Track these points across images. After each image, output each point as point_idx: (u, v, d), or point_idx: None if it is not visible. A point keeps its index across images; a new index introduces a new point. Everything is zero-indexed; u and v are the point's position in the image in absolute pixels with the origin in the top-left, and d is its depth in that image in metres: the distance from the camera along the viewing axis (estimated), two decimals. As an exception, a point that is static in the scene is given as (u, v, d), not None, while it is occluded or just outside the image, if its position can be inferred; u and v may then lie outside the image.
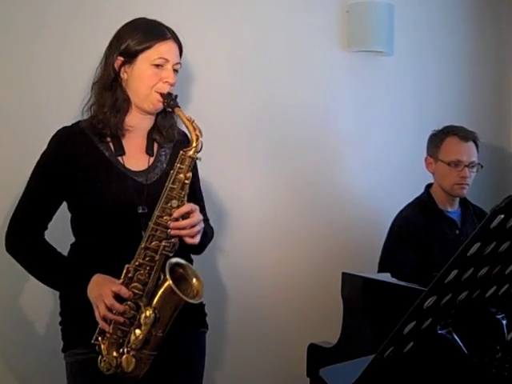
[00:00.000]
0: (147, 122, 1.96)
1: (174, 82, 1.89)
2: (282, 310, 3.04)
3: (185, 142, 1.99)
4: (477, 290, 1.42)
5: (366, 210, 3.25)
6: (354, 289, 2.44)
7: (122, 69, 1.88)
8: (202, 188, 2.11)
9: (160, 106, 1.90)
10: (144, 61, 1.86)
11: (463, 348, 1.44)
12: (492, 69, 3.75)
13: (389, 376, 1.40)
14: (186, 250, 1.93)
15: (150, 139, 1.96)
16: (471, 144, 2.78)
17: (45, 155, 1.91)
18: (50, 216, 1.93)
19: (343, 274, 2.47)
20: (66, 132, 1.91)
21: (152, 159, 1.95)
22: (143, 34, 1.87)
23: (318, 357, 2.52)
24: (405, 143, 3.38)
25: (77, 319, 1.88)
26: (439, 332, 1.41)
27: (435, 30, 3.51)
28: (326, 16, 3.16)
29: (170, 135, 1.98)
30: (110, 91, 1.89)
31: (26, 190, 1.91)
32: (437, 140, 2.82)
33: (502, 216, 1.27)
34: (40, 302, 2.41)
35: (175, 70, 1.91)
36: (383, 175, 3.32)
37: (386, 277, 2.51)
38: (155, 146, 1.97)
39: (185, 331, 1.90)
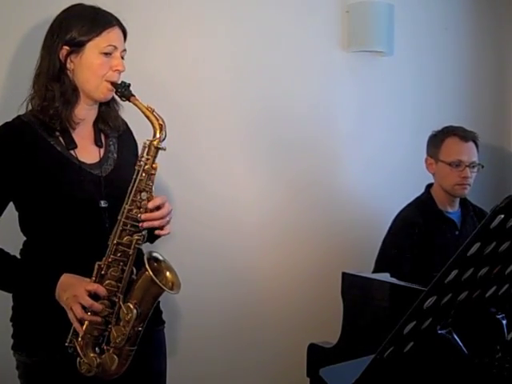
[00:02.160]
0: (93, 113, 1.91)
1: (123, 69, 1.84)
2: (282, 309, 3.04)
3: (128, 131, 2.00)
4: (477, 290, 1.42)
5: (365, 211, 3.25)
6: (354, 289, 2.44)
7: (68, 59, 1.81)
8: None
9: (110, 95, 1.86)
10: (93, 49, 1.80)
11: (463, 348, 1.44)
12: (492, 69, 3.75)
13: (389, 376, 1.40)
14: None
15: (97, 130, 1.92)
16: (471, 144, 2.79)
17: None
18: None
19: (343, 274, 2.46)
20: (12, 127, 1.81)
21: (103, 150, 1.91)
22: (89, 21, 1.81)
23: (318, 357, 2.51)
24: (405, 143, 3.38)
25: (35, 321, 1.81)
26: (439, 332, 1.41)
27: (435, 30, 3.52)
28: (326, 16, 3.16)
29: (116, 125, 1.94)
30: (57, 82, 1.81)
31: None
32: (437, 141, 2.82)
33: (502, 216, 1.27)
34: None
35: (121, 58, 1.86)
36: (383, 175, 3.32)
37: (386, 277, 2.51)
38: (102, 136, 1.93)
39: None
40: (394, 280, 2.46)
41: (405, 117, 3.42)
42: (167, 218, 1.81)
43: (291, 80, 3.06)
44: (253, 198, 2.97)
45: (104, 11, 1.86)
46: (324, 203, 3.18)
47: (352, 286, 2.44)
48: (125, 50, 1.86)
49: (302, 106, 3.09)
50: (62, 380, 1.80)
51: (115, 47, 1.82)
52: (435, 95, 3.52)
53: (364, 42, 3.17)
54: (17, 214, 1.86)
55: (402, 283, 2.35)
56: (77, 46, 1.80)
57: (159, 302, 1.97)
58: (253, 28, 2.94)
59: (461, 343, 1.43)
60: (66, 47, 1.80)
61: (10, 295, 1.88)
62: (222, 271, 2.87)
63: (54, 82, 1.81)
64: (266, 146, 3.01)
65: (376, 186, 3.29)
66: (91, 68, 1.81)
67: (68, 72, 1.82)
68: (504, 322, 1.51)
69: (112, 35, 1.82)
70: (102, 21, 1.82)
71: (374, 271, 2.73)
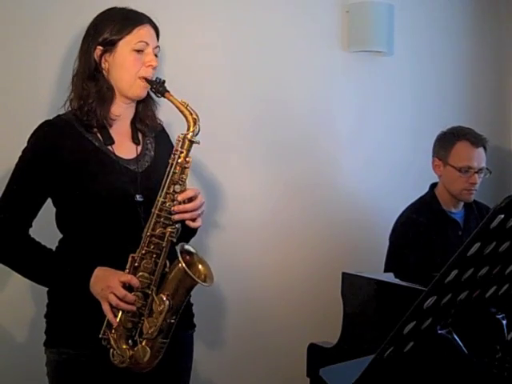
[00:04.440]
0: (130, 111, 1.95)
1: (156, 65, 1.88)
2: (282, 309, 3.04)
3: (165, 133, 2.04)
4: (477, 290, 1.42)
5: (365, 211, 3.25)
6: (354, 289, 2.44)
7: (103, 58, 1.86)
8: (192, 185, 2.07)
9: (145, 92, 1.89)
10: (124, 47, 1.85)
11: (463, 348, 1.44)
12: (492, 69, 3.75)
13: (389, 376, 1.40)
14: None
15: (134, 128, 1.96)
16: (481, 149, 2.74)
17: (30, 149, 1.85)
18: (35, 213, 1.87)
19: (343, 274, 2.47)
20: (52, 124, 1.87)
21: (140, 147, 1.95)
22: (120, 21, 1.86)
23: (318, 357, 2.51)
24: (404, 143, 3.38)
25: (69, 318, 1.84)
26: (439, 332, 1.41)
27: (435, 31, 3.52)
28: (326, 16, 3.16)
29: (154, 125, 1.99)
30: (93, 82, 1.86)
31: (10, 188, 1.85)
32: (446, 143, 2.76)
33: (502, 216, 1.27)
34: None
35: (155, 55, 1.89)
36: (383, 175, 3.32)
37: (386, 276, 2.52)
38: (139, 135, 1.97)
39: (173, 331, 1.84)
40: (393, 280, 2.46)
41: (404, 117, 3.42)
42: (199, 211, 1.83)
43: (291, 80, 3.06)
44: (252, 198, 2.97)
45: (135, 11, 1.91)
46: (323, 203, 3.18)
47: (352, 286, 2.44)
48: (158, 47, 1.91)
49: (302, 106, 3.09)
50: (90, 378, 1.82)
51: (146, 44, 1.87)
52: (435, 95, 3.52)
53: (364, 42, 3.17)
54: (53, 212, 1.90)
55: (401, 283, 2.35)
56: (109, 46, 1.85)
57: (192, 304, 2.01)
58: (252, 28, 2.94)
59: (461, 343, 1.43)
60: (100, 47, 1.86)
61: (37, 295, 1.90)
62: (221, 271, 2.86)
63: (89, 81, 1.87)
64: (266, 145, 3.01)
65: (375, 186, 3.29)
66: (124, 65, 1.86)
67: (103, 71, 1.88)
68: (504, 322, 1.51)
69: (143, 32, 1.86)
70: (133, 19, 1.87)
71: (385, 272, 2.72)
